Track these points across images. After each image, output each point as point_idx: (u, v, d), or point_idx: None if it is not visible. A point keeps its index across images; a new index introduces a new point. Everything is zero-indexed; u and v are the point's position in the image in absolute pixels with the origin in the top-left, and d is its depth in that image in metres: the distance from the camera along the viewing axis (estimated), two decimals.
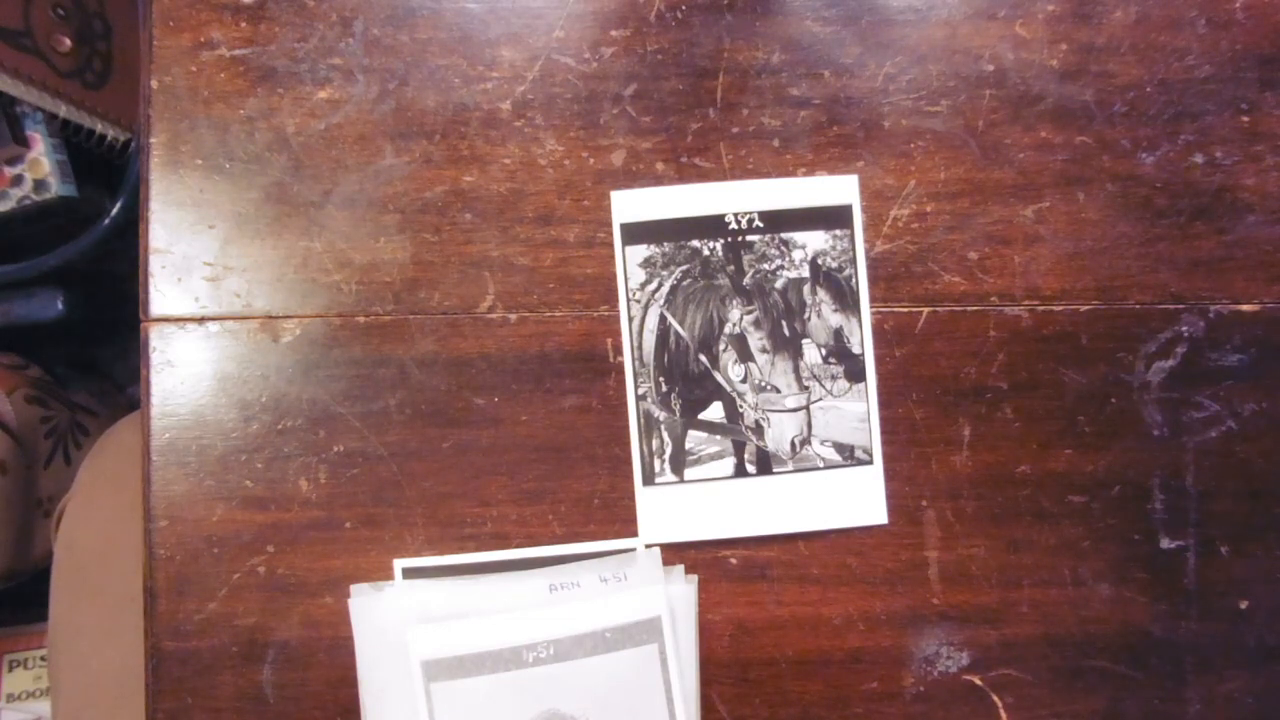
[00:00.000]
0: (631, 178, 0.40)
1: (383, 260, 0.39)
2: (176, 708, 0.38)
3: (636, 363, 0.39)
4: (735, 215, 0.39)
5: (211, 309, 0.39)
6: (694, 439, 0.39)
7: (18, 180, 0.76)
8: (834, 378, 0.39)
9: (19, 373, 0.79)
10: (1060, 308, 0.40)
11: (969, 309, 0.40)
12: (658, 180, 0.40)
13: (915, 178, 0.40)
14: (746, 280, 0.39)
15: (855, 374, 0.39)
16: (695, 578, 0.39)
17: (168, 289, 0.39)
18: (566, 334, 0.39)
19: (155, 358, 0.39)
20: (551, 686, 0.38)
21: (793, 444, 0.39)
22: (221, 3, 0.39)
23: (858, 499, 0.39)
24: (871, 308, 0.40)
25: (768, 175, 0.40)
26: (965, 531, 0.40)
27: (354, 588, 0.38)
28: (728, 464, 0.39)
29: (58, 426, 0.79)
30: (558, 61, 0.40)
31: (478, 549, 0.39)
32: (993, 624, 0.40)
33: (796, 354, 0.39)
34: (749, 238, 0.39)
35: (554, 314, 0.39)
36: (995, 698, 0.40)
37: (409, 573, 0.38)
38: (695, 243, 0.39)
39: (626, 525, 0.39)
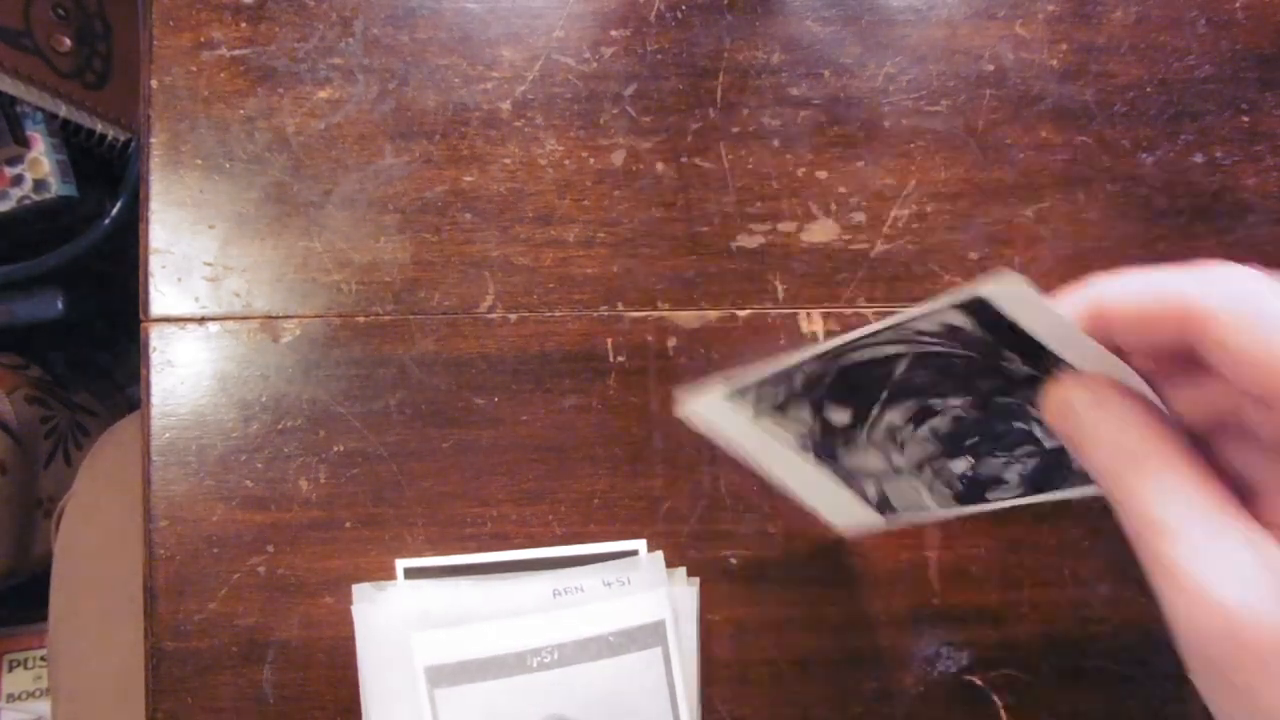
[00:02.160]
0: (631, 177, 0.40)
1: (383, 260, 0.39)
2: (176, 708, 0.38)
3: (828, 353, 0.29)
4: None
5: (211, 309, 0.39)
6: None
7: (18, 180, 0.76)
8: None
9: (19, 373, 0.79)
10: None
11: None
12: (658, 180, 0.40)
13: (915, 178, 0.40)
14: (999, 399, 0.28)
15: None
16: (697, 579, 0.39)
17: (168, 289, 0.39)
18: (566, 334, 0.39)
19: (155, 358, 0.39)
20: (555, 691, 0.38)
21: None
22: (221, 3, 0.39)
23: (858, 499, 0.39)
24: (871, 308, 0.40)
25: (768, 176, 0.40)
26: (965, 531, 0.40)
27: (355, 588, 0.38)
28: None
29: (58, 426, 0.79)
30: (558, 61, 0.40)
31: (478, 549, 0.39)
32: (993, 624, 0.39)
33: None
34: None
35: (554, 314, 0.39)
36: (995, 698, 0.39)
37: (410, 573, 0.38)
38: (1015, 356, 0.26)
39: (626, 525, 0.39)
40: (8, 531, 0.73)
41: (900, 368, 0.28)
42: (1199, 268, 0.21)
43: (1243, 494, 0.21)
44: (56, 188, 0.75)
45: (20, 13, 0.68)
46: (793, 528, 0.39)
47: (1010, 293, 0.23)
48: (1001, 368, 0.26)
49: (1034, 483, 0.28)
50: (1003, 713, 0.39)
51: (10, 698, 0.89)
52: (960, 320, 0.24)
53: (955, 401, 0.28)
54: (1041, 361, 0.24)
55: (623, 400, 0.39)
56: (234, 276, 0.39)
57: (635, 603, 0.38)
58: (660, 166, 0.40)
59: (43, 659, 0.90)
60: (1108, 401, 0.22)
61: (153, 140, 0.39)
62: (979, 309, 0.24)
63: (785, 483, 0.34)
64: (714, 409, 0.32)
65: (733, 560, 0.39)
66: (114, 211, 0.79)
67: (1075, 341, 0.23)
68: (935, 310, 0.24)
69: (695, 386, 0.31)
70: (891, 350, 0.27)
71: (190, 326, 0.39)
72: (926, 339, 0.26)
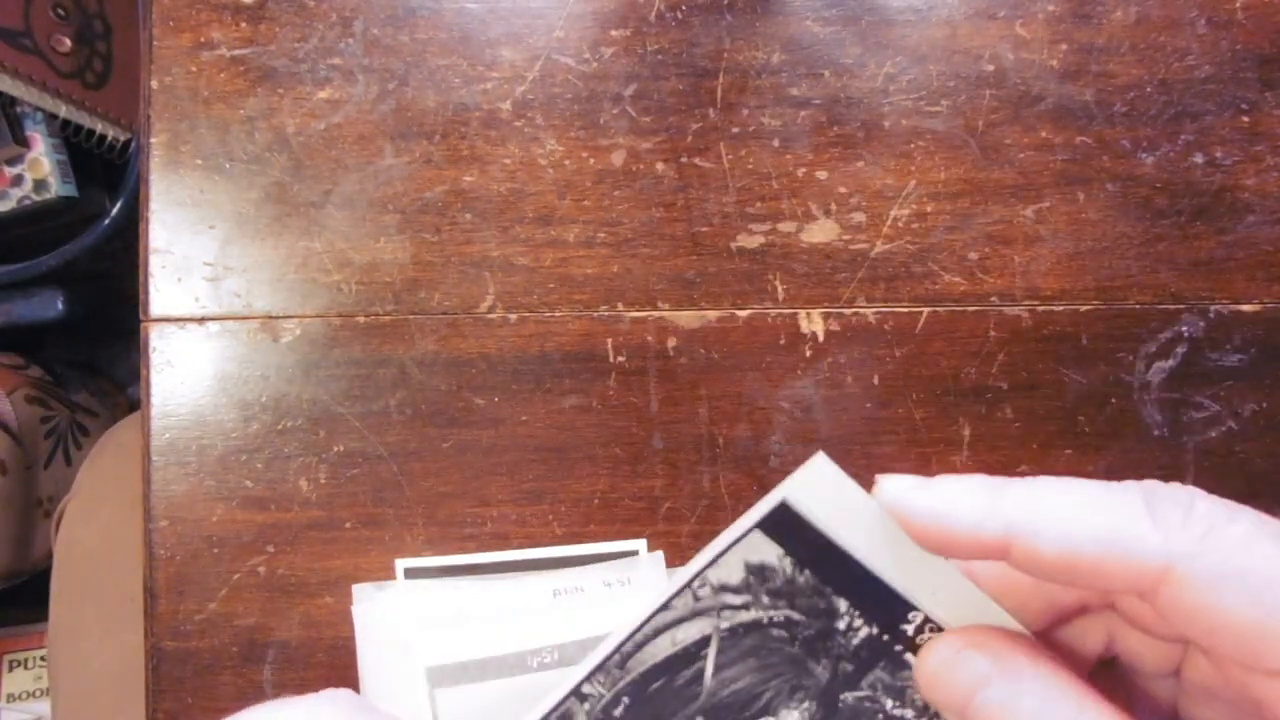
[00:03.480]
0: (631, 177, 0.40)
1: (383, 260, 0.39)
2: (176, 708, 0.38)
3: (615, 657, 0.21)
4: (928, 619, 0.21)
5: (211, 309, 0.39)
6: None
7: (18, 180, 0.76)
8: None
9: (19, 373, 0.79)
10: (1060, 308, 0.40)
11: (969, 309, 0.40)
12: (658, 180, 0.40)
13: (915, 178, 0.40)
14: (845, 697, 0.21)
15: None
16: None
17: (168, 289, 0.39)
18: (566, 334, 0.39)
19: (155, 358, 0.39)
20: None
21: None
22: (221, 3, 0.39)
23: None
24: (871, 308, 0.40)
25: (768, 176, 0.40)
26: None
27: (355, 588, 0.38)
28: None
29: (58, 426, 0.79)
30: (558, 61, 0.40)
31: (478, 549, 0.39)
32: None
33: None
34: (908, 655, 0.21)
35: (554, 314, 0.39)
36: None
37: (410, 573, 0.38)
38: (843, 604, 0.21)
39: (626, 525, 0.39)
40: (8, 531, 0.73)
41: (709, 665, 0.21)
42: (1164, 516, 0.17)
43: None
44: (56, 188, 0.75)
45: (20, 13, 0.68)
46: None
47: (811, 484, 0.19)
48: (835, 635, 0.20)
49: None
50: None
51: (10, 698, 0.89)
52: (766, 551, 0.20)
53: (793, 716, 0.21)
54: (878, 604, 0.20)
55: (623, 400, 0.39)
56: (234, 276, 0.39)
57: (636, 603, 0.38)
58: (660, 166, 0.40)
59: (43, 659, 0.90)
60: (1018, 668, 0.18)
61: (153, 140, 0.39)
62: (784, 525, 0.19)
63: None
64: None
65: None
66: (114, 211, 0.79)
67: (896, 548, 0.19)
68: (736, 539, 0.19)
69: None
70: (695, 633, 0.21)
71: (190, 326, 0.39)
72: (731, 601, 0.20)
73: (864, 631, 0.20)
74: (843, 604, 0.20)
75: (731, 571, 0.20)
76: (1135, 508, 0.17)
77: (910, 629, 0.20)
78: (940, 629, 0.20)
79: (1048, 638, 0.21)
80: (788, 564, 0.20)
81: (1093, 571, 0.17)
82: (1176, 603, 0.17)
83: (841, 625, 0.20)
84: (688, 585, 0.20)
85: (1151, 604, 0.17)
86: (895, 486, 0.19)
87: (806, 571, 0.20)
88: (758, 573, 0.20)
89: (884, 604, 0.20)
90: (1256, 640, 0.16)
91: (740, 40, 0.40)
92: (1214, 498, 0.17)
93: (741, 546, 0.20)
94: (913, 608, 0.20)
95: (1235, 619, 0.16)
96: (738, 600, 0.20)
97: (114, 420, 0.71)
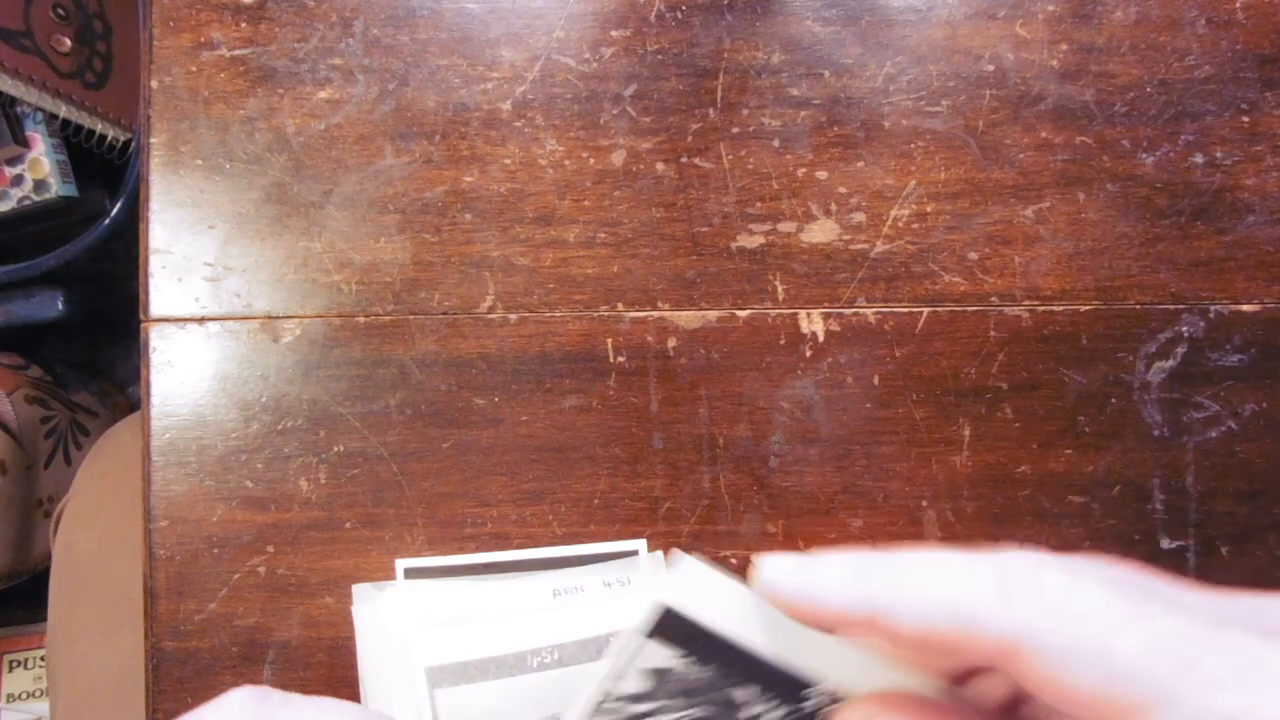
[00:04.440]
0: (631, 177, 0.40)
1: (383, 260, 0.39)
2: (176, 708, 0.38)
3: None
4: (829, 692, 0.21)
5: (211, 309, 0.39)
6: None
7: (18, 180, 0.76)
8: None
9: (19, 373, 0.79)
10: (1060, 308, 0.40)
11: (969, 309, 0.40)
12: (658, 180, 0.40)
13: (915, 178, 0.40)
14: None
15: None
16: None
17: (168, 289, 0.39)
18: (566, 334, 0.39)
19: (155, 358, 0.39)
20: (556, 692, 0.38)
21: None
22: (221, 3, 0.39)
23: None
24: (871, 308, 0.40)
25: (768, 176, 0.40)
26: (965, 532, 0.40)
27: (355, 588, 0.38)
28: None
29: (58, 426, 0.79)
30: (558, 61, 0.40)
31: (478, 549, 0.39)
32: None
33: None
34: None
35: (554, 314, 0.39)
36: None
37: (410, 573, 0.38)
38: (747, 692, 0.21)
39: (627, 526, 0.39)
40: (8, 531, 0.73)
41: None
42: (1005, 585, 0.18)
43: None
44: (56, 188, 0.76)
45: (20, 13, 0.68)
46: (793, 528, 0.39)
47: (684, 584, 0.19)
48: None
49: None
50: None
51: (10, 698, 0.89)
52: (662, 655, 0.20)
53: None
54: (781, 686, 0.20)
55: (623, 400, 0.39)
56: (234, 276, 0.39)
57: (635, 603, 0.38)
58: (660, 166, 0.40)
59: (43, 659, 0.90)
60: None
61: (153, 140, 0.39)
62: (672, 628, 0.20)
63: None
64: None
65: (733, 560, 0.39)
66: (114, 211, 0.79)
67: (784, 628, 0.20)
68: (629, 647, 0.20)
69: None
70: None
71: (190, 326, 0.39)
72: (637, 710, 0.21)
73: (771, 715, 0.21)
74: (746, 692, 0.21)
75: (633, 681, 0.21)
76: (985, 584, 0.18)
77: (810, 705, 0.21)
78: (841, 699, 0.21)
79: (954, 691, 0.22)
80: (686, 663, 0.20)
81: (949, 646, 0.18)
82: (1028, 674, 0.18)
83: (745, 715, 0.21)
84: (601, 702, 0.21)
85: (1008, 674, 0.18)
86: (772, 570, 0.20)
87: (708, 666, 0.20)
88: (659, 677, 0.21)
89: (786, 685, 0.21)
90: (1107, 708, 0.17)
91: (740, 40, 0.40)
92: (1066, 564, 0.19)
93: (638, 657, 0.20)
94: (813, 683, 0.21)
95: (1084, 689, 0.17)
96: (643, 709, 0.21)
97: (114, 420, 0.71)
